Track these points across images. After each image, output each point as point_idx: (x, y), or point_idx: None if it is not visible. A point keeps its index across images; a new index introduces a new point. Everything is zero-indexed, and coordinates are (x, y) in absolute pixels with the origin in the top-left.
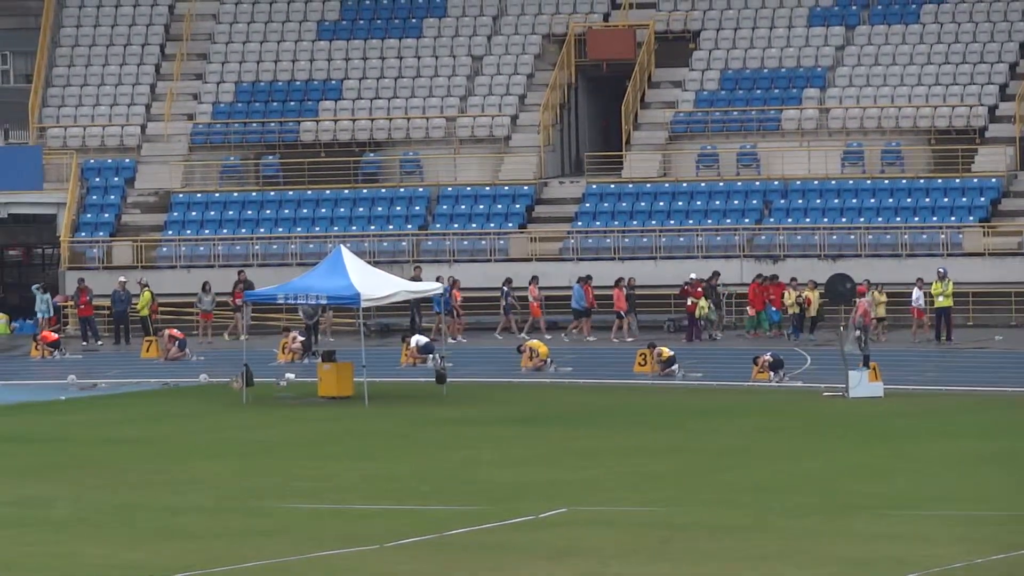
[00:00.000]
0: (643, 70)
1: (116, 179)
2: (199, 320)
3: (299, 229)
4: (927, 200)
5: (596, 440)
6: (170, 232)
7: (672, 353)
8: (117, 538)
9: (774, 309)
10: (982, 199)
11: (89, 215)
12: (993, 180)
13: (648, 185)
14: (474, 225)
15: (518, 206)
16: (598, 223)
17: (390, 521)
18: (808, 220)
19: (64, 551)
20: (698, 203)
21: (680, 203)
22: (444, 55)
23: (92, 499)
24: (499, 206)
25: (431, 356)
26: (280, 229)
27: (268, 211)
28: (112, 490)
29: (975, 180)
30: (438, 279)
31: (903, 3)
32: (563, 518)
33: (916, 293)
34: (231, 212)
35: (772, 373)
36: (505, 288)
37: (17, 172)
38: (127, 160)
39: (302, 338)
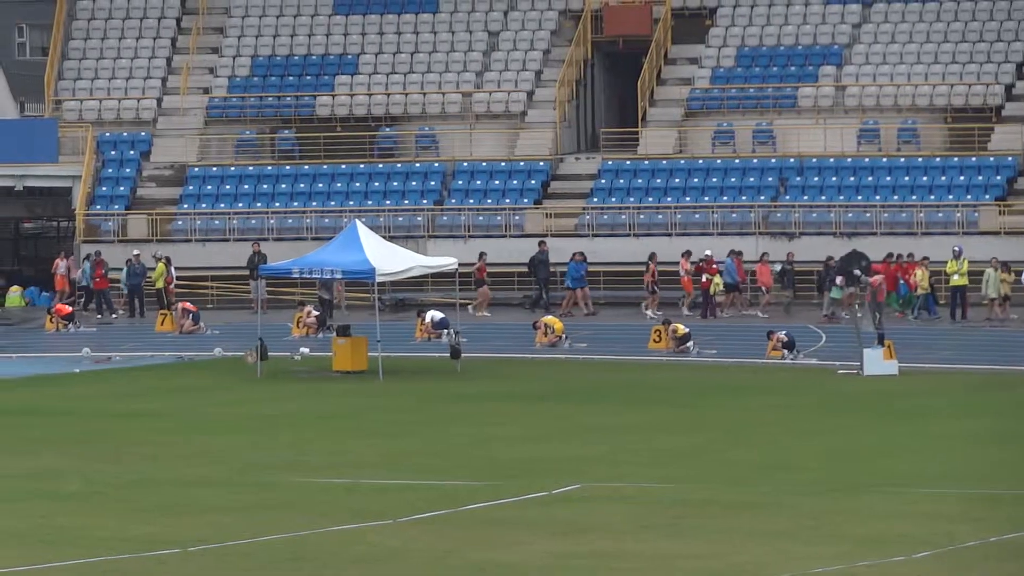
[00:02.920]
0: (659, 46)
1: (132, 152)
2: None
3: (314, 203)
4: (943, 178)
5: (610, 416)
6: (185, 206)
7: (687, 330)
8: (129, 511)
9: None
10: (998, 177)
11: (104, 188)
12: (1009, 159)
13: (664, 162)
14: (489, 201)
15: (534, 182)
16: (613, 199)
17: (403, 496)
18: (824, 198)
19: (76, 524)
20: (714, 180)
21: (696, 180)
22: (460, 30)
23: (104, 472)
24: (515, 182)
25: (445, 332)
26: (295, 203)
27: (284, 185)
28: (124, 463)
29: (991, 159)
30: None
31: None
32: (576, 494)
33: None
34: (247, 186)
35: (786, 352)
36: (649, 263)
37: (33, 145)
38: (143, 133)
39: (316, 312)
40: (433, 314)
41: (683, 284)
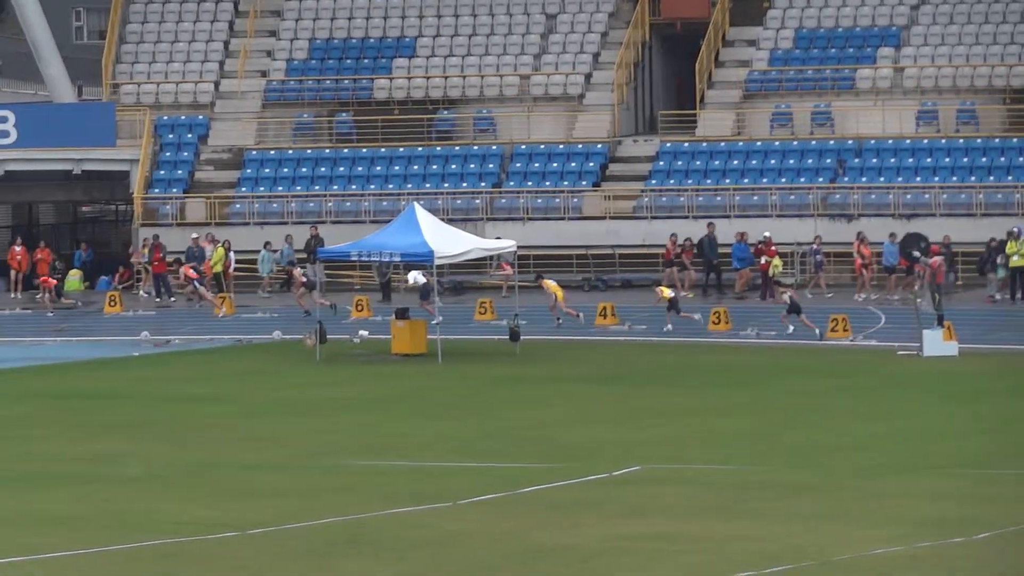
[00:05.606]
0: (717, 28)
1: (189, 136)
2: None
3: (373, 187)
4: (1002, 159)
5: (669, 398)
6: (243, 189)
7: (672, 295)
8: (190, 495)
9: None
10: None
11: (162, 172)
12: None
13: (722, 144)
14: (548, 183)
15: (592, 164)
16: (672, 181)
17: (463, 479)
18: (882, 179)
19: (137, 508)
20: (772, 162)
21: (754, 162)
22: (518, 12)
23: (164, 456)
24: (573, 164)
25: (427, 302)
26: (354, 186)
27: (342, 168)
28: (184, 447)
29: None
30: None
31: None
32: (636, 476)
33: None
34: (304, 169)
35: (791, 317)
36: (815, 245)
37: (91, 129)
38: (200, 117)
39: (305, 279)
40: (416, 276)
41: (856, 267)
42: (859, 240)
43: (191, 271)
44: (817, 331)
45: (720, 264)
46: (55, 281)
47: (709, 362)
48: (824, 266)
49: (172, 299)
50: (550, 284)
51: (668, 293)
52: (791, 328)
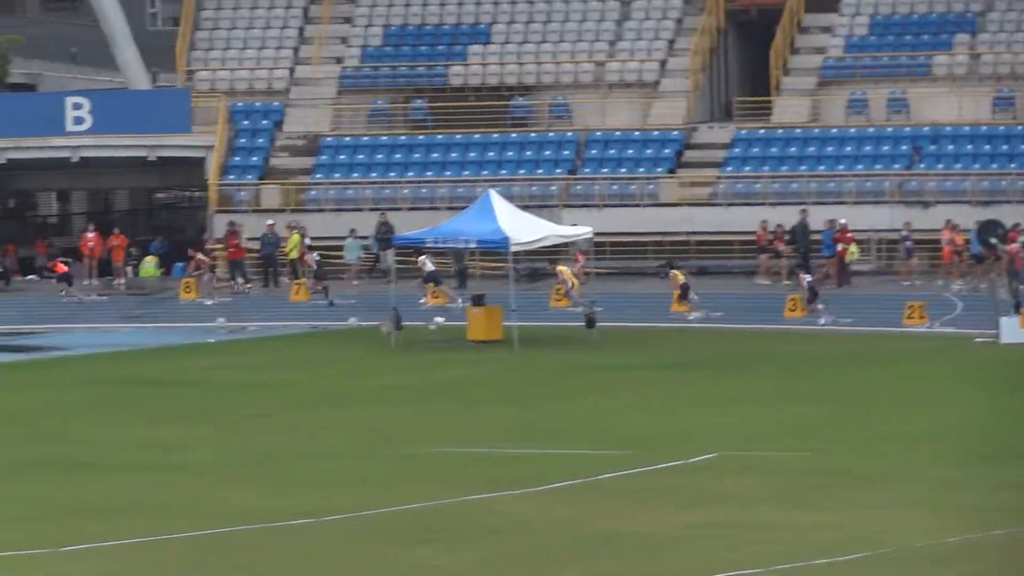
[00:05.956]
0: (792, 15)
1: (264, 122)
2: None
3: (448, 173)
4: None
5: (745, 385)
6: (318, 175)
7: (684, 280)
8: (261, 483)
9: None
10: None
11: (237, 158)
12: None
13: (797, 131)
14: (623, 170)
15: (667, 151)
16: (747, 168)
17: (538, 465)
18: (959, 166)
19: (208, 495)
20: (847, 149)
21: (830, 149)
22: None
23: (237, 443)
24: (648, 151)
25: (432, 284)
26: (429, 173)
27: (416, 155)
28: (254, 434)
29: None
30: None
31: None
32: (712, 463)
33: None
34: (379, 156)
35: (809, 303)
36: (904, 232)
37: (165, 115)
38: (275, 103)
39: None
40: (425, 261)
41: (944, 254)
42: (949, 227)
43: (203, 257)
44: (822, 321)
45: (810, 250)
46: (65, 268)
47: (784, 349)
48: (913, 253)
49: (248, 285)
50: (564, 271)
51: (681, 279)
52: (823, 320)
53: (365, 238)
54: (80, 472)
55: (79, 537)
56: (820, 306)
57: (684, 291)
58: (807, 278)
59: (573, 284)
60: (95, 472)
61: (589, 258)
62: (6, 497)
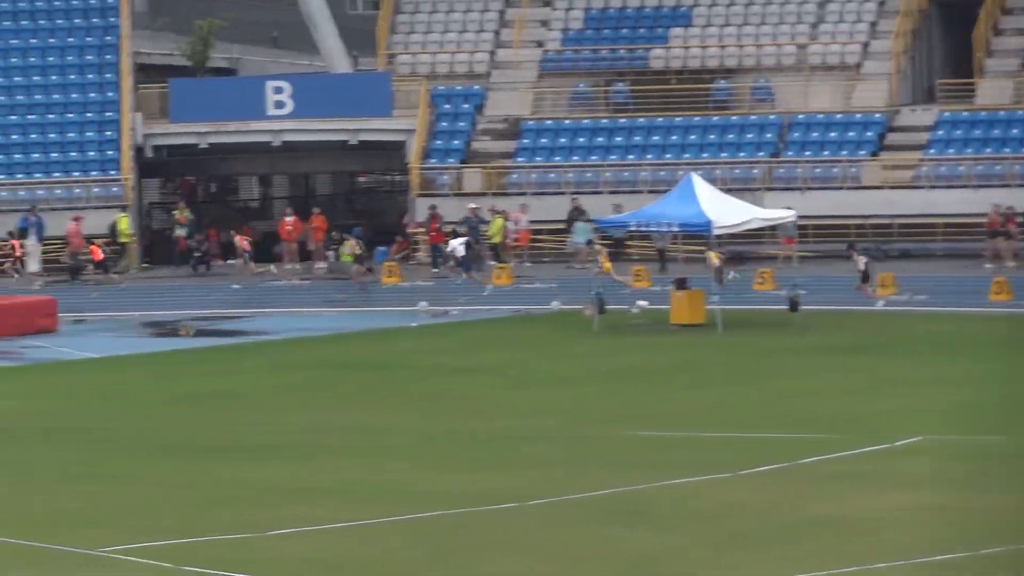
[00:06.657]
0: None
1: (465, 106)
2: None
3: (649, 156)
4: None
5: (949, 368)
6: (520, 159)
7: (718, 262)
8: (462, 466)
9: None
10: None
11: (439, 142)
12: None
13: (1001, 113)
14: (826, 153)
15: (870, 134)
16: (951, 151)
17: (741, 449)
18: None
19: (408, 479)
20: None
21: None
22: None
23: (438, 426)
24: (851, 134)
25: (472, 272)
26: (631, 156)
27: (618, 138)
28: (456, 417)
29: None
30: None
31: None
32: (917, 447)
33: None
34: (581, 139)
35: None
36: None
37: (366, 99)
38: (476, 87)
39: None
40: (456, 245)
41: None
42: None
43: (244, 242)
44: (881, 302)
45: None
46: (102, 256)
47: (990, 332)
48: None
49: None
50: (713, 256)
51: (716, 260)
52: (881, 303)
53: (592, 221)
54: (283, 455)
55: (288, 520)
56: (870, 289)
57: (718, 274)
58: (863, 259)
59: (606, 267)
60: (301, 455)
61: (796, 242)
62: (214, 480)
